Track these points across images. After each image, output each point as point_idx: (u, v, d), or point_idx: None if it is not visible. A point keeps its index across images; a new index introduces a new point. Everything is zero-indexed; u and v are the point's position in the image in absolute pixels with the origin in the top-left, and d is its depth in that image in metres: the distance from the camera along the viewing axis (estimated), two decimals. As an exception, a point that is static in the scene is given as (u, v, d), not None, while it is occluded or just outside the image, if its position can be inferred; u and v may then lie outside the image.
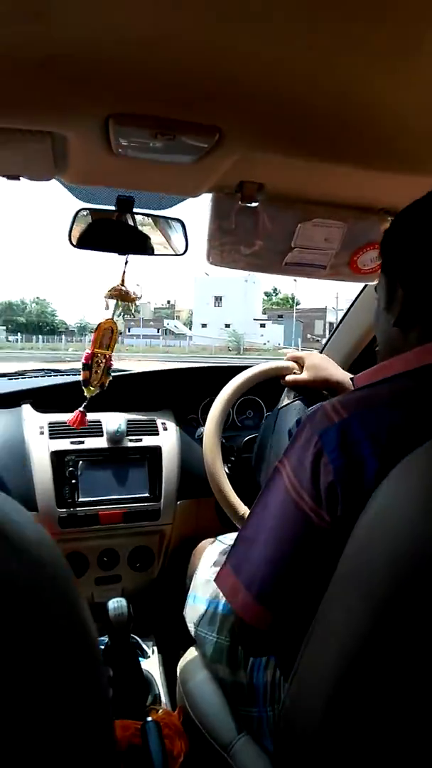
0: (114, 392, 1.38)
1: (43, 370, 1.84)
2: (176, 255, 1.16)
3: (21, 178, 0.94)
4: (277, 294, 73.43)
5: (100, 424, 1.44)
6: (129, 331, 55.74)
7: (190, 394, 1.61)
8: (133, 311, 1.22)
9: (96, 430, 1.43)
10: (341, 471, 0.68)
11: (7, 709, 0.37)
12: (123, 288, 1.15)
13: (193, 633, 1.17)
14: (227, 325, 48.82)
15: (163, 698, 1.31)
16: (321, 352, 1.71)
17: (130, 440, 1.45)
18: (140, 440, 1.46)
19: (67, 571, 0.47)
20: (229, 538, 1.30)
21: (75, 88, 0.69)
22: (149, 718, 1.06)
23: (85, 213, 1.07)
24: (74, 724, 0.41)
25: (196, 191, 1.03)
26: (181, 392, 1.61)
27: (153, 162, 0.90)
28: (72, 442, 1.41)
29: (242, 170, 0.98)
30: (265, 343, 45.81)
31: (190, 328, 55.78)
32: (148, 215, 1.11)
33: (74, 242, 1.06)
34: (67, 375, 1.75)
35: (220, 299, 51.65)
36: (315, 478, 0.70)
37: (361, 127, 0.82)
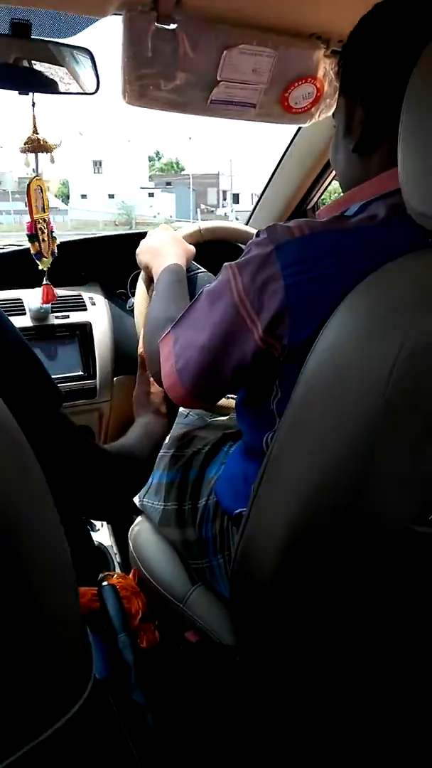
0: (31, 267, 1.26)
1: None
2: (86, 94, 1.02)
3: None
4: (160, 158, 65.90)
5: (21, 302, 1.34)
6: (-7, 207, 48.20)
7: (116, 266, 1.50)
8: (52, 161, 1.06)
9: (17, 308, 1.32)
10: (293, 292, 0.66)
11: None
12: (38, 137, 1.00)
13: (138, 505, 1.17)
14: (111, 196, 42.77)
15: (117, 566, 1.33)
16: (248, 221, 1.62)
17: (57, 317, 1.36)
18: (67, 317, 1.37)
19: (15, 428, 0.41)
20: None
21: None
22: (105, 583, 1.08)
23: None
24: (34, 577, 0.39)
25: (103, 9, 0.88)
26: (107, 264, 1.51)
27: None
28: None
29: (156, -20, 0.85)
30: (155, 216, 40.63)
31: (64, 202, 47.98)
32: (49, 42, 0.95)
33: (-36, 77, 0.90)
34: None
35: (100, 164, 44.23)
36: (267, 301, 0.67)
37: None
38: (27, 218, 1.18)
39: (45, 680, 0.40)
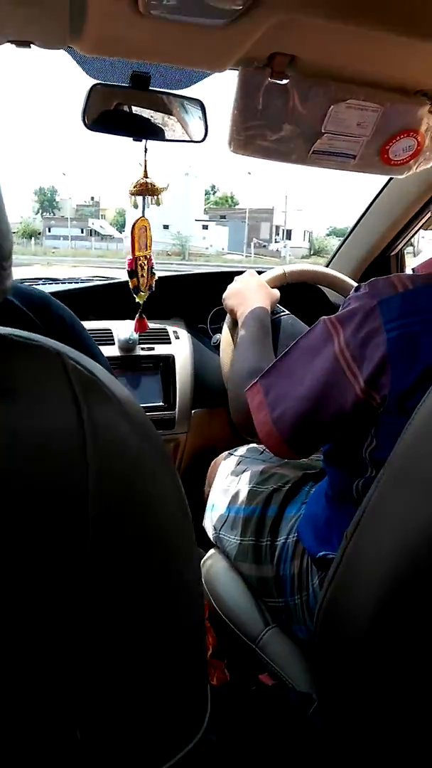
0: (121, 300, 1.32)
1: (39, 279, 1.74)
2: (193, 141, 1.07)
3: (32, 45, 0.84)
4: (215, 192, 68.31)
5: (111, 333, 1.39)
6: (50, 231, 49.26)
7: (198, 302, 1.55)
8: (158, 203, 1.14)
9: (107, 338, 1.38)
10: (396, 345, 0.67)
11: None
12: (148, 180, 1.07)
13: (213, 538, 1.17)
14: (166, 227, 43.27)
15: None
16: (334, 261, 1.65)
17: (142, 349, 1.41)
18: (152, 349, 1.42)
19: (166, 451, 0.44)
20: (242, 450, 1.29)
21: None
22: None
23: (98, 91, 0.97)
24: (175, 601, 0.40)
25: (223, 64, 0.93)
26: (190, 300, 1.56)
27: (181, 25, 0.80)
28: None
29: (274, 40, 0.89)
30: (207, 248, 41.90)
31: (119, 230, 49.55)
32: (165, 94, 1.01)
33: (88, 123, 0.96)
34: (63, 283, 1.66)
35: (157, 195, 46.34)
36: (369, 354, 0.69)
37: None
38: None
39: (171, 711, 0.41)
